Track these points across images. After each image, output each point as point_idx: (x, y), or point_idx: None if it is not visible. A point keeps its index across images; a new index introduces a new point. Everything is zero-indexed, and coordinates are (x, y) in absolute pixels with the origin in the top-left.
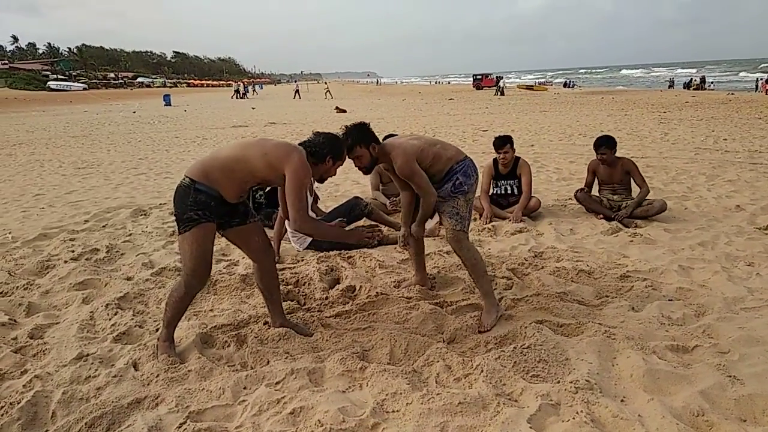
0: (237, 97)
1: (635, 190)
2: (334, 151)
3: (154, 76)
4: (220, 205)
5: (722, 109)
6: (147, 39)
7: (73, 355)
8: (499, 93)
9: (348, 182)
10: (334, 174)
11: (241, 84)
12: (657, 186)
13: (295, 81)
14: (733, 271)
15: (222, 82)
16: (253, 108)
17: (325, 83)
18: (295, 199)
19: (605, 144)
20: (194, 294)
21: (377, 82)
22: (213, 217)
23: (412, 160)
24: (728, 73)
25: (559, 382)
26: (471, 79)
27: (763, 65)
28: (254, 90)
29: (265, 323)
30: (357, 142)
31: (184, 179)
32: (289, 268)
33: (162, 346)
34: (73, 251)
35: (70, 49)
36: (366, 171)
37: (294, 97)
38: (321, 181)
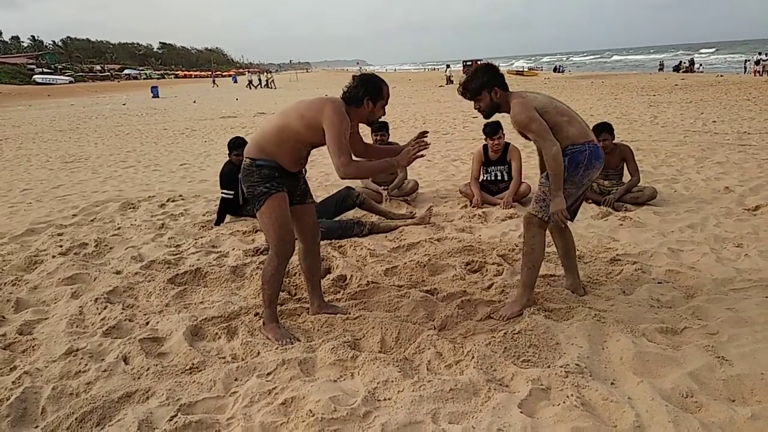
0: (252, 88)
1: (627, 177)
2: (369, 92)
3: (141, 68)
4: (284, 176)
5: (711, 91)
6: (133, 30)
7: (62, 351)
8: (447, 82)
9: None
10: (383, 114)
11: (268, 73)
12: (647, 169)
13: (249, 72)
14: (721, 252)
15: (209, 73)
16: (237, 99)
17: (269, 72)
18: (336, 147)
19: (606, 130)
20: (287, 262)
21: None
22: (282, 187)
23: (530, 108)
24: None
25: (549, 366)
26: (461, 65)
27: (702, 49)
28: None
29: (256, 314)
30: (481, 86)
31: (244, 161)
32: None
33: (270, 329)
34: (61, 246)
35: (54, 42)
36: (485, 116)
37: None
38: (369, 124)
